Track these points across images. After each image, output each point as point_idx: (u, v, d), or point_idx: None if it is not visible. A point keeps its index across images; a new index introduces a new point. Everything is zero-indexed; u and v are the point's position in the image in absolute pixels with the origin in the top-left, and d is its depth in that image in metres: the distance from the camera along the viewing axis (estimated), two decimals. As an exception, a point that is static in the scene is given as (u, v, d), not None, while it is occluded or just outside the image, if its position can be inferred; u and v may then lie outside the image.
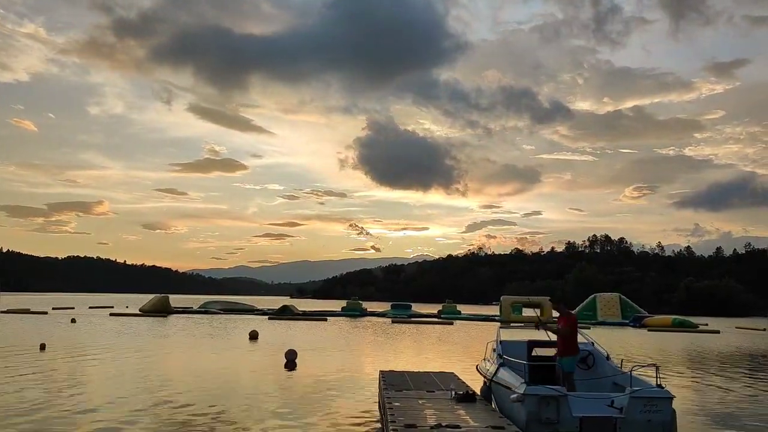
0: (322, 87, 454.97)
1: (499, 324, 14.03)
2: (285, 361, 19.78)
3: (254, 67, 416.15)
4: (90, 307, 67.98)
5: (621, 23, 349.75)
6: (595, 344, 11.44)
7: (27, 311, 54.95)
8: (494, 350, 11.59)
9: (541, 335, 11.56)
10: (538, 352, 11.62)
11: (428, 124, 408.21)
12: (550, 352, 11.29)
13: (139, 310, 57.49)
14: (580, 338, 11.32)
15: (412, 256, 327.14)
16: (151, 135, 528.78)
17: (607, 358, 11.05)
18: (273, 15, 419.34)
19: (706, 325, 55.37)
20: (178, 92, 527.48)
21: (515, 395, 9.00)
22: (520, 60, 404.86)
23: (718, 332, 48.23)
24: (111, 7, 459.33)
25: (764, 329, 54.17)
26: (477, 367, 12.81)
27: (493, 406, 10.36)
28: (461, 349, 27.52)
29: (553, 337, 10.90)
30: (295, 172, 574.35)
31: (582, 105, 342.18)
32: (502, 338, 11.77)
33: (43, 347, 22.44)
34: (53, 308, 61.62)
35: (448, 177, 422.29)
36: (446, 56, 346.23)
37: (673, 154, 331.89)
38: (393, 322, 54.27)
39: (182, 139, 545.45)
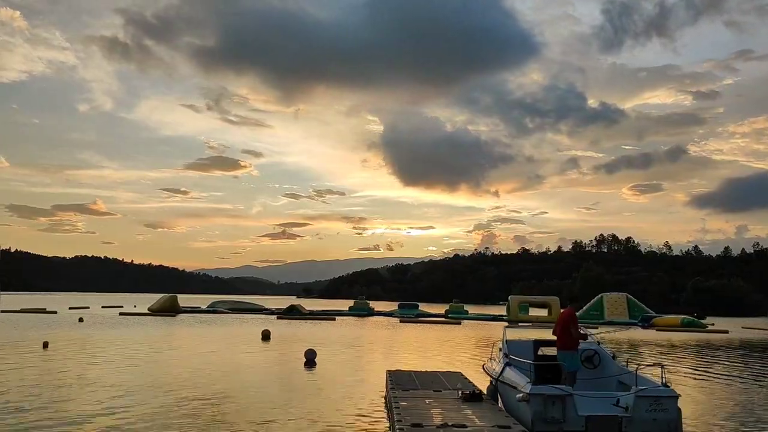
0: (335, 90, 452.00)
1: (505, 324, 14.06)
2: (305, 360, 19.92)
3: (272, 66, 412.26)
4: (103, 307, 68.40)
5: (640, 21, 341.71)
6: (600, 344, 11.53)
7: (43, 310, 55.51)
8: (500, 350, 11.66)
9: (547, 334, 11.64)
10: (544, 351, 11.70)
11: (438, 122, 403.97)
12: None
13: (148, 310, 57.86)
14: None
15: (418, 255, 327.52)
16: (154, 133, 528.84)
17: (613, 357, 11.13)
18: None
19: (713, 324, 55.24)
20: (174, 85, 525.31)
21: (521, 395, 9.08)
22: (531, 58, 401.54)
23: (726, 332, 48.09)
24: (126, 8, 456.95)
25: (772, 329, 53.98)
26: (483, 367, 12.89)
27: (500, 405, 10.42)
28: (468, 349, 27.62)
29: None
30: (301, 170, 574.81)
31: (589, 103, 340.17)
32: (508, 338, 11.83)
33: (46, 345, 22.72)
34: (70, 308, 62.59)
35: (454, 177, 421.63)
36: (482, 58, 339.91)
37: (680, 152, 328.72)
38: (401, 321, 54.42)
39: (184, 137, 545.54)
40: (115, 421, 10.37)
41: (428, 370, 15.10)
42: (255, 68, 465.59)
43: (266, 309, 66.70)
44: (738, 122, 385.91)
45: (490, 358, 12.64)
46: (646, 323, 55.64)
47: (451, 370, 15.38)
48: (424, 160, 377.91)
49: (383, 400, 12.64)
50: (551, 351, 11.48)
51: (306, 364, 19.36)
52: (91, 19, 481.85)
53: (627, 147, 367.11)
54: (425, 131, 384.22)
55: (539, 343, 11.86)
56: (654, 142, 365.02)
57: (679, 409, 8.80)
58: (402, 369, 15.39)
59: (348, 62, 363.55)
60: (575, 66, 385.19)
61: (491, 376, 11.58)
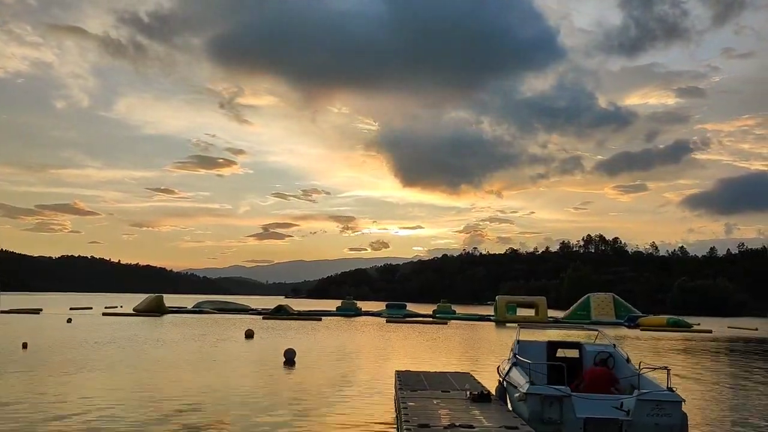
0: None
1: (518, 324, 13.99)
2: (284, 359, 19.83)
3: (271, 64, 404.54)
4: (106, 307, 67.87)
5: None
6: (616, 346, 11.41)
7: (40, 311, 55.15)
8: (511, 350, 11.59)
9: (561, 336, 11.60)
10: (566, 353, 11.60)
11: (439, 122, 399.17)
12: (573, 353, 11.36)
13: (133, 310, 57.52)
14: (602, 339, 11.64)
15: (407, 255, 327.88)
16: (139, 131, 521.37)
17: (627, 360, 10.96)
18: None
19: (698, 324, 55.72)
20: (163, 83, 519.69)
21: (518, 394, 9.02)
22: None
23: (710, 332, 48.52)
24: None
25: (756, 329, 54.50)
26: (498, 369, 12.82)
27: (509, 406, 10.36)
28: (456, 349, 27.60)
29: (572, 337, 11.01)
30: (289, 170, 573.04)
31: (585, 104, 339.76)
32: (521, 338, 11.73)
33: (25, 346, 22.48)
34: (71, 308, 62.55)
35: (446, 177, 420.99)
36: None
37: (669, 152, 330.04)
38: (387, 321, 54.39)
39: (170, 136, 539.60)
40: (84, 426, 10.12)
41: (437, 370, 15.03)
42: (252, 66, 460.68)
43: (252, 309, 66.55)
44: (730, 122, 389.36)
45: (506, 360, 12.62)
46: (632, 323, 56.09)
47: (460, 370, 15.32)
48: (419, 160, 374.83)
49: (389, 400, 12.57)
50: (567, 353, 11.49)
51: (285, 363, 19.25)
52: (61, 12, 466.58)
53: (613, 147, 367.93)
54: (425, 131, 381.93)
55: (554, 345, 11.75)
56: (646, 143, 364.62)
57: (685, 415, 8.63)
58: (411, 369, 15.37)
59: (359, 61, 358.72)
60: (584, 68, 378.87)
61: (500, 377, 11.50)
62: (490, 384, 12.30)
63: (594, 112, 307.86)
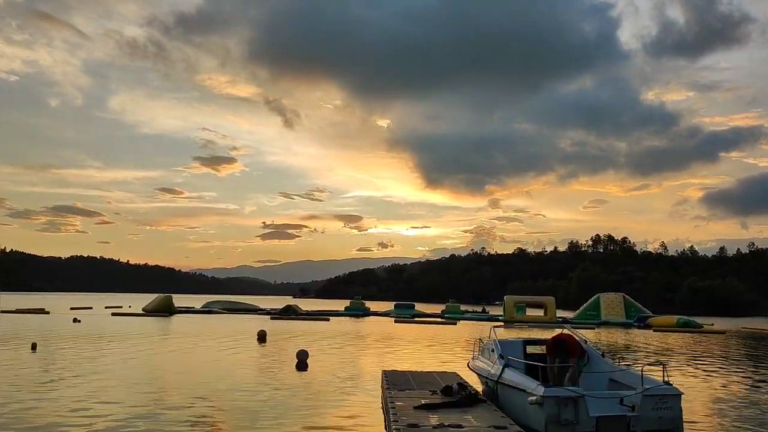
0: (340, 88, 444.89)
1: (493, 324, 14.22)
2: (296, 361, 19.72)
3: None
4: (107, 307, 68.20)
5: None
6: (587, 343, 11.63)
7: (42, 311, 55.38)
8: (492, 350, 11.66)
9: (532, 333, 11.79)
10: (530, 350, 11.77)
11: (465, 121, 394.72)
12: (541, 349, 11.49)
13: (143, 310, 57.74)
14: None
15: (415, 255, 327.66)
16: (146, 131, 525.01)
17: (602, 355, 11.34)
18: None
19: (712, 325, 55.25)
20: (166, 82, 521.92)
21: (534, 397, 9.04)
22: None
23: (723, 333, 48.01)
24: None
25: (769, 329, 54.05)
26: (468, 365, 12.86)
27: (495, 407, 10.33)
28: (464, 349, 27.47)
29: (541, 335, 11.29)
30: (297, 170, 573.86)
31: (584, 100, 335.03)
32: (498, 338, 11.85)
33: (34, 347, 22.49)
34: (71, 308, 62.76)
35: (452, 176, 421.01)
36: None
37: (678, 150, 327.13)
38: (396, 321, 54.32)
39: (175, 135, 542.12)
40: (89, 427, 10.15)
41: (424, 370, 14.96)
42: (257, 66, 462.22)
43: (261, 309, 66.65)
44: (740, 117, 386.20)
45: (475, 357, 12.68)
46: (642, 323, 55.75)
47: (447, 370, 15.24)
48: (442, 161, 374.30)
49: (378, 400, 12.52)
50: (536, 349, 11.67)
51: (297, 365, 19.08)
52: (46, 6, 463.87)
53: (630, 147, 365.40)
54: (455, 132, 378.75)
55: (530, 343, 11.93)
56: (652, 141, 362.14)
57: (681, 407, 9.04)
58: (398, 369, 15.25)
59: (409, 65, 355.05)
60: (630, 67, 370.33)
61: (486, 377, 11.52)
62: (478, 383, 12.31)
63: (632, 111, 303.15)
